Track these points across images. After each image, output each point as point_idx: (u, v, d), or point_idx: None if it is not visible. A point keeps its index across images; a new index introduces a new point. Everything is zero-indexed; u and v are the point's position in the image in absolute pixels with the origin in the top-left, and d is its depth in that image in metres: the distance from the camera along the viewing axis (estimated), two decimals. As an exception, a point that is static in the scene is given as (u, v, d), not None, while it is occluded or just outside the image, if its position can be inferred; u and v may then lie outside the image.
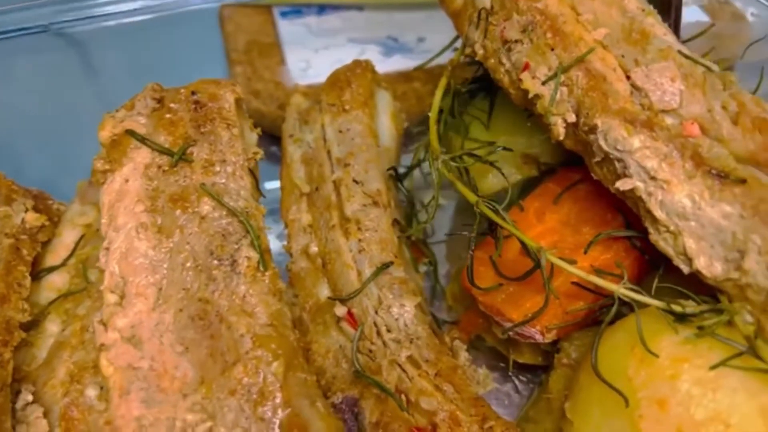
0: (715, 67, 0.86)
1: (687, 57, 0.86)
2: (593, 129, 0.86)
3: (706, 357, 0.74)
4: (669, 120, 0.83)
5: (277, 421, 0.73)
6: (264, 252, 0.82)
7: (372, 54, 1.32)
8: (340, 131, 1.02)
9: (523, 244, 0.87)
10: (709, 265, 0.77)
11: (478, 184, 1.00)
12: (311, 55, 1.32)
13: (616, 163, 0.85)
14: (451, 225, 1.16)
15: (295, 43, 1.33)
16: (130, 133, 0.85)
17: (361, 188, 0.99)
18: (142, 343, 0.77)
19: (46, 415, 0.83)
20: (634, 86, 0.86)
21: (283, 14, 1.37)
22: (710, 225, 0.77)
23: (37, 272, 0.95)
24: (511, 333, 0.90)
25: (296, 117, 1.08)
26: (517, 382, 1.02)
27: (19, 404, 0.83)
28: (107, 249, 0.81)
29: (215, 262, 0.80)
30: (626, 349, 0.78)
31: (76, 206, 1.03)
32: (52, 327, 0.92)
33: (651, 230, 0.82)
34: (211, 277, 0.79)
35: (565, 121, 0.88)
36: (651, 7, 0.94)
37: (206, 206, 0.83)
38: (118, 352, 0.76)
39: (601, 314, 0.87)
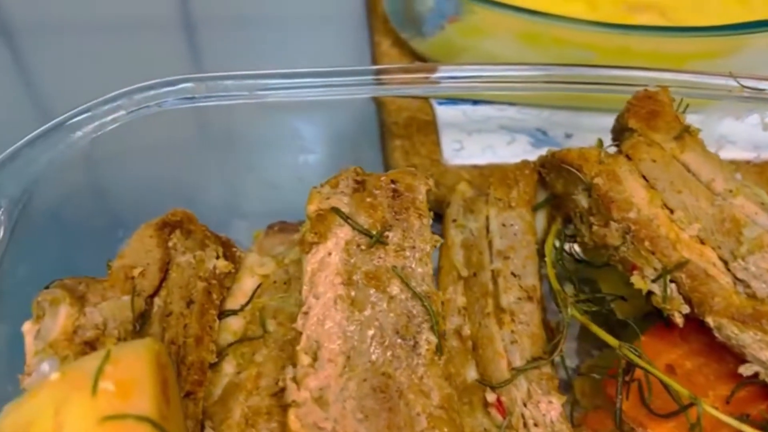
0: None
1: None
2: (706, 324, 0.92)
3: None
4: None
5: (446, 501, 0.80)
6: (441, 337, 0.91)
7: (521, 143, 1.41)
8: (504, 225, 1.10)
9: (663, 385, 0.91)
10: None
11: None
12: (464, 137, 1.41)
13: (736, 349, 0.91)
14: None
15: (450, 125, 1.43)
16: (336, 211, 0.95)
17: (518, 282, 1.07)
18: (328, 405, 0.85)
19: (224, 452, 0.93)
20: (735, 278, 0.93)
21: (440, 103, 1.47)
22: None
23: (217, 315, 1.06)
24: (646, 444, 0.97)
25: (461, 204, 1.16)
26: (637, 487, 1.07)
27: (203, 439, 0.93)
28: (306, 314, 0.90)
29: (399, 340, 0.89)
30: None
31: (255, 256, 1.13)
32: (228, 368, 1.01)
33: None
34: (394, 354, 0.88)
35: (681, 313, 0.95)
36: (739, 180, 1.00)
37: (395, 288, 0.92)
38: (307, 410, 0.85)
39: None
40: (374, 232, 0.94)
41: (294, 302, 1.05)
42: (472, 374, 1.03)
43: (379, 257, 0.94)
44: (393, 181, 0.98)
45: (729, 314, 0.88)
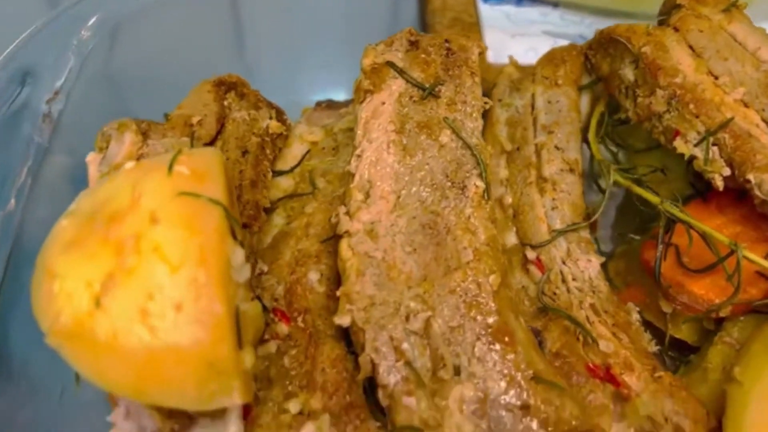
0: None
1: None
2: (747, 182, 0.95)
3: None
4: None
5: (489, 323, 0.83)
6: (488, 184, 0.94)
7: (563, 48, 1.43)
8: (549, 102, 1.13)
9: (704, 239, 0.94)
10: None
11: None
12: (507, 39, 1.44)
13: None
14: (616, 207, 1.25)
15: (494, 27, 1.45)
16: (390, 64, 0.98)
17: (561, 154, 1.09)
18: (378, 238, 0.89)
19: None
20: None
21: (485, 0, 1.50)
22: None
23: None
24: (680, 306, 1.00)
25: (507, 84, 1.19)
26: (665, 357, 1.10)
27: (256, 272, 0.97)
28: (359, 156, 0.94)
29: (448, 183, 0.92)
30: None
31: (304, 126, 1.17)
32: (278, 219, 1.05)
33: None
34: (443, 195, 0.91)
35: (721, 175, 0.97)
36: None
37: (446, 137, 0.95)
38: (358, 240, 0.89)
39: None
40: (427, 86, 0.97)
41: (342, 165, 1.09)
42: (511, 239, 1.06)
43: (431, 109, 0.97)
44: (447, 41, 1.01)
45: (771, 169, 0.91)
